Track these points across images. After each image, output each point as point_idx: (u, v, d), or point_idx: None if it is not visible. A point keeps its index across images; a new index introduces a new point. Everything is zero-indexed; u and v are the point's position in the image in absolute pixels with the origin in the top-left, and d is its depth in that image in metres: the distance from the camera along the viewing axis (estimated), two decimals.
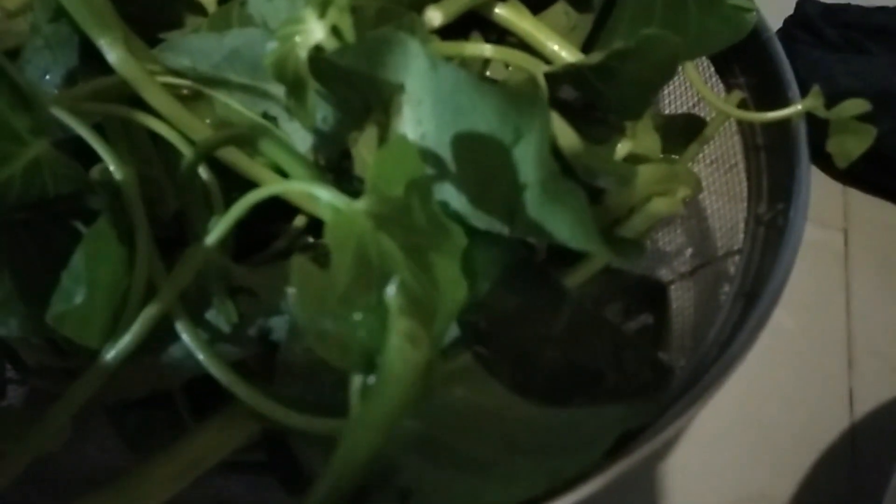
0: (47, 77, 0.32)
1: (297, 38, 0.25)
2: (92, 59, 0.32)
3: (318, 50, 0.25)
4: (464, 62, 0.32)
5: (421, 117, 0.27)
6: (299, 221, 0.35)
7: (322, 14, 0.25)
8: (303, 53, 0.25)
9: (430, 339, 0.21)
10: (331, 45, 0.25)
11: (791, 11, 0.62)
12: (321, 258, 0.33)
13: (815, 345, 0.55)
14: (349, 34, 0.24)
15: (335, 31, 0.25)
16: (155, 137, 0.34)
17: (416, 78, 0.26)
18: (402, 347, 0.21)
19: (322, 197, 0.23)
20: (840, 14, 0.60)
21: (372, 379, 0.22)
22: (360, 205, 0.23)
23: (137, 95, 0.31)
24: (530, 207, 0.25)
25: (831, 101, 0.36)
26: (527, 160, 0.24)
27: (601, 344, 0.28)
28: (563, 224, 0.24)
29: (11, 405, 0.37)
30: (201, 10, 0.39)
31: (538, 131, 0.23)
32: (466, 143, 0.26)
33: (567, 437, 0.24)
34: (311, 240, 0.37)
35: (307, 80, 0.25)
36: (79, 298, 0.25)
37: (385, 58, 0.26)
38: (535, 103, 0.23)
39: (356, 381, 0.23)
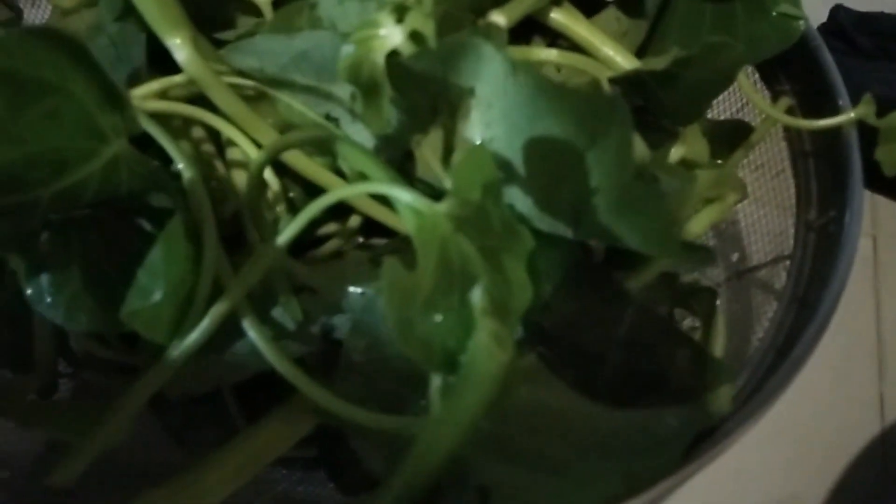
0: None
1: (374, 43, 0.25)
2: (155, 59, 0.33)
3: (393, 54, 0.26)
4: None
5: (490, 121, 0.27)
6: (354, 222, 0.36)
7: (400, 18, 0.25)
8: (379, 58, 0.25)
9: (511, 338, 0.22)
10: (407, 49, 0.25)
11: (824, 20, 0.62)
12: (377, 259, 0.34)
13: (845, 351, 0.56)
14: (432, 40, 0.24)
15: (413, 35, 0.25)
16: (212, 134, 0.35)
17: (488, 82, 0.26)
18: (488, 347, 0.21)
19: (404, 199, 0.23)
20: (872, 22, 0.61)
21: (452, 378, 0.23)
22: (442, 208, 0.23)
23: (202, 95, 0.32)
24: (602, 211, 0.25)
25: None
26: (601, 165, 0.25)
27: (663, 346, 0.28)
28: (637, 228, 0.24)
29: (66, 399, 0.38)
30: (254, 11, 0.39)
31: (619, 136, 0.23)
32: (538, 148, 0.26)
33: (637, 439, 0.25)
34: (361, 240, 0.38)
35: (383, 85, 0.26)
36: (157, 296, 0.26)
37: (459, 62, 0.26)
38: (615, 108, 0.23)
39: (436, 380, 0.23)
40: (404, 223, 0.24)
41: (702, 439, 0.24)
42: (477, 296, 0.21)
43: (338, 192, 0.25)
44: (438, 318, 0.23)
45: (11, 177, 0.23)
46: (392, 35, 0.25)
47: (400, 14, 0.26)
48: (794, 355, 0.27)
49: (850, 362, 0.56)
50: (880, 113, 0.37)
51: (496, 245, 0.25)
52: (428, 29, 0.24)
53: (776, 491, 0.49)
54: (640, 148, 0.27)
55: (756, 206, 0.40)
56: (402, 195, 0.23)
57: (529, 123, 0.25)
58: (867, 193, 0.64)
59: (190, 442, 0.40)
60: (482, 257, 0.24)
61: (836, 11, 0.62)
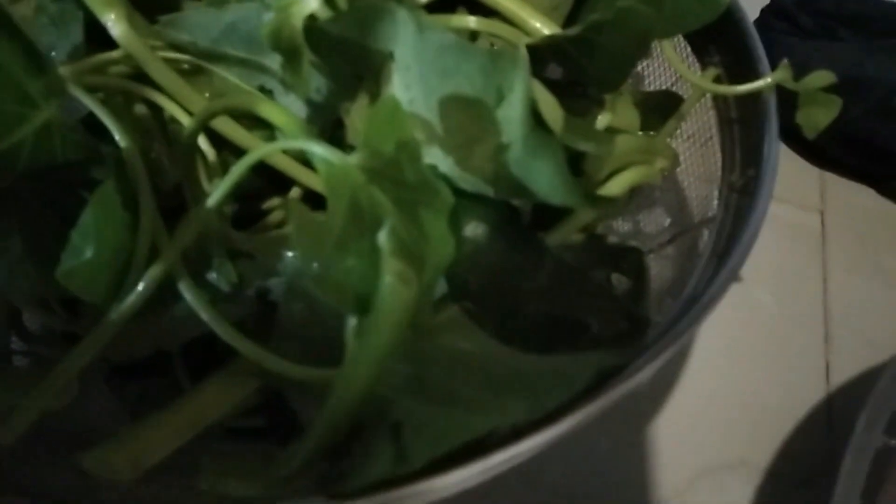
0: (52, 54, 0.34)
1: (293, 9, 0.27)
2: (95, 37, 0.34)
3: (312, 19, 0.27)
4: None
5: (409, 83, 0.28)
6: (294, 194, 0.37)
7: None
8: (298, 23, 0.27)
9: (419, 281, 0.23)
10: (324, 14, 0.27)
11: (768, 1, 0.64)
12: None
13: (793, 321, 0.57)
14: (343, 3, 0.25)
15: (329, 1, 0.26)
16: (155, 111, 0.36)
17: (404, 45, 0.28)
18: (393, 285, 0.22)
19: (317, 152, 0.25)
20: (814, 2, 0.62)
21: (364, 319, 0.24)
22: (353, 159, 0.24)
23: (139, 71, 0.33)
24: (513, 165, 0.27)
25: None
26: (510, 120, 0.26)
27: (581, 297, 0.29)
28: (543, 178, 0.26)
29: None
30: None
31: (520, 89, 0.24)
32: (452, 106, 0.27)
33: (549, 379, 0.26)
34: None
35: (303, 49, 0.27)
36: (88, 254, 0.27)
37: (375, 26, 0.27)
38: (516, 62, 0.24)
39: (351, 321, 0.24)
40: (321, 178, 0.25)
41: (606, 377, 0.25)
42: (383, 237, 0.23)
43: (258, 151, 0.26)
44: (351, 261, 0.24)
45: None
46: (309, 1, 0.27)
47: None
48: (702, 301, 0.28)
49: (797, 332, 0.57)
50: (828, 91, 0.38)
51: (412, 198, 0.26)
52: None
53: (724, 455, 0.50)
54: (551, 107, 0.28)
55: (687, 174, 0.41)
56: (315, 148, 0.25)
57: (441, 82, 0.27)
58: (815, 170, 0.66)
59: (144, 415, 0.40)
60: (396, 208, 0.25)
61: None
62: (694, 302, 0.29)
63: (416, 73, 0.28)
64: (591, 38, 0.31)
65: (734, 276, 0.29)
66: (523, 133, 0.25)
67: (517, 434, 0.24)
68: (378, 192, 0.25)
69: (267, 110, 0.27)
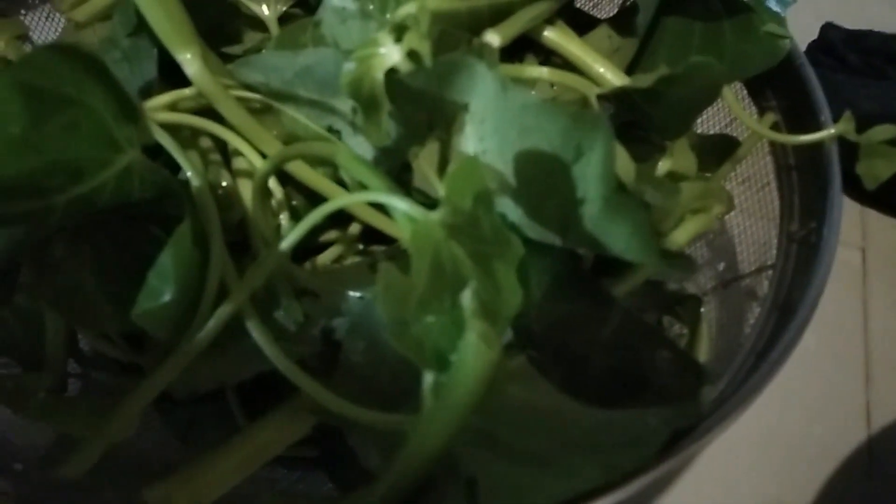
0: None
1: (374, 61, 0.27)
2: (165, 70, 0.34)
3: (392, 71, 0.27)
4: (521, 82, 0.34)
5: (483, 134, 0.29)
6: (354, 229, 0.37)
7: (399, 38, 0.27)
8: (379, 75, 0.27)
9: (499, 340, 0.23)
10: (406, 67, 0.27)
11: (815, 36, 0.64)
12: (375, 265, 0.36)
13: (833, 360, 0.57)
14: (428, 59, 0.26)
15: (411, 54, 0.27)
16: (219, 143, 0.36)
17: (481, 98, 0.28)
18: (477, 346, 0.22)
19: (400, 207, 0.25)
20: (862, 40, 0.62)
21: (443, 376, 0.24)
22: (436, 216, 0.25)
23: (207, 105, 0.33)
24: (588, 221, 0.27)
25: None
26: (586, 177, 0.26)
27: (646, 350, 0.30)
28: (620, 237, 0.26)
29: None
30: (260, 26, 0.41)
31: (602, 150, 0.25)
32: (529, 161, 0.27)
33: (618, 436, 0.26)
34: (361, 246, 0.39)
35: (382, 100, 0.27)
36: (167, 297, 0.27)
37: (453, 79, 0.28)
38: (598, 125, 0.24)
39: (428, 377, 0.24)
40: (400, 230, 0.25)
41: (680, 437, 0.25)
42: (467, 298, 0.23)
43: (338, 200, 0.26)
44: (431, 319, 0.24)
45: (30, 184, 0.25)
46: (391, 53, 0.27)
47: (399, 33, 0.27)
48: (770, 358, 0.28)
49: (838, 371, 0.57)
50: (868, 127, 0.38)
51: (487, 251, 0.26)
52: (424, 49, 0.25)
53: (764, 496, 0.50)
54: (624, 161, 0.28)
55: (742, 218, 0.41)
56: (399, 204, 0.25)
57: (519, 137, 0.27)
58: (857, 206, 0.66)
59: (194, 441, 0.41)
60: (473, 262, 0.25)
61: (827, 29, 0.63)
62: (759, 358, 0.29)
63: (491, 126, 0.28)
64: (661, 90, 0.32)
65: (801, 333, 0.29)
66: (603, 193, 0.25)
67: (590, 494, 0.24)
68: (457, 248, 0.25)
69: (347, 161, 0.28)
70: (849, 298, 0.61)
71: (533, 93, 0.25)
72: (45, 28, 0.49)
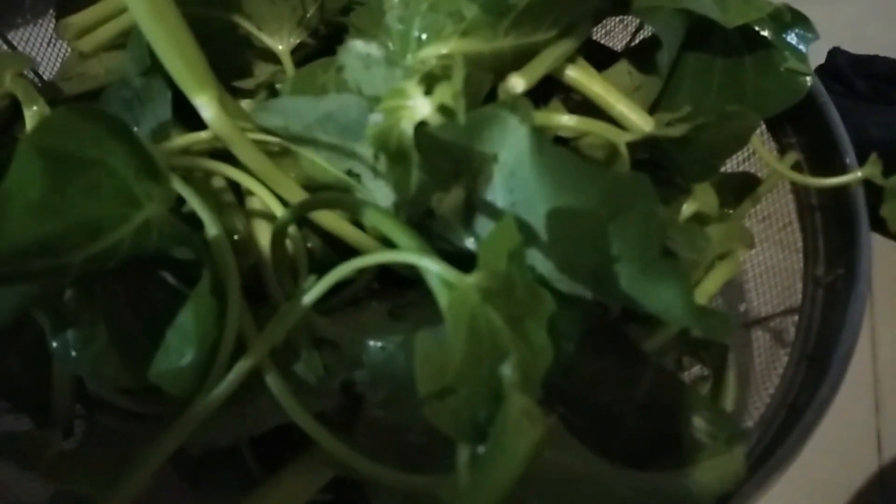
0: (135, 129, 0.33)
1: (403, 113, 0.26)
2: (179, 110, 0.33)
3: (421, 123, 0.26)
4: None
5: (513, 187, 0.28)
6: (370, 270, 0.36)
7: (428, 90, 0.26)
8: (409, 128, 0.26)
9: (541, 417, 0.22)
10: (436, 120, 0.26)
11: (822, 61, 0.64)
12: (396, 312, 0.35)
13: (842, 389, 0.56)
14: (461, 116, 0.25)
15: (441, 108, 0.26)
16: (235, 186, 0.35)
17: (511, 151, 0.27)
18: (520, 424, 0.21)
19: (434, 270, 0.24)
20: (869, 65, 0.62)
21: (479, 448, 0.23)
22: (472, 280, 0.24)
23: (221, 148, 0.32)
24: (624, 279, 0.26)
25: (861, 150, 0.38)
26: (624, 235, 0.25)
27: (679, 408, 0.29)
28: (659, 299, 0.25)
29: (78, 440, 0.38)
30: (273, 59, 0.40)
31: (644, 212, 0.24)
32: (560, 217, 0.27)
33: (654, 502, 0.25)
34: (376, 286, 0.38)
35: (411, 153, 0.26)
36: (187, 359, 0.26)
37: (484, 131, 0.27)
38: (640, 186, 0.24)
39: (464, 450, 0.24)
40: (435, 293, 0.24)
41: (724, 500, 0.24)
42: (508, 370, 0.22)
43: (368, 258, 0.25)
44: (468, 389, 0.23)
45: (47, 245, 0.24)
46: (421, 107, 0.26)
47: (428, 84, 0.26)
48: (806, 419, 0.27)
49: (847, 400, 0.56)
50: (881, 156, 0.38)
51: (521, 311, 0.25)
52: (458, 105, 0.24)
53: None
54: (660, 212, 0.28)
55: (764, 257, 0.41)
56: (432, 266, 0.24)
57: (553, 193, 0.26)
58: None
59: (203, 484, 0.40)
60: (509, 327, 0.24)
61: (834, 54, 0.63)
62: (795, 413, 0.29)
63: (522, 179, 0.27)
64: (692, 137, 0.31)
65: (836, 390, 0.29)
66: (643, 256, 0.24)
67: None
68: (494, 314, 0.24)
69: (374, 218, 0.27)
70: None
71: (570, 154, 0.24)
72: (46, 53, 0.48)
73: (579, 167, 0.24)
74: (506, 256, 0.24)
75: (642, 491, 0.26)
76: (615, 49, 0.44)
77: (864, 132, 0.59)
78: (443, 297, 0.24)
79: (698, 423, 0.29)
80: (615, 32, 0.49)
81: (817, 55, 0.64)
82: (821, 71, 0.64)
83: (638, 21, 0.47)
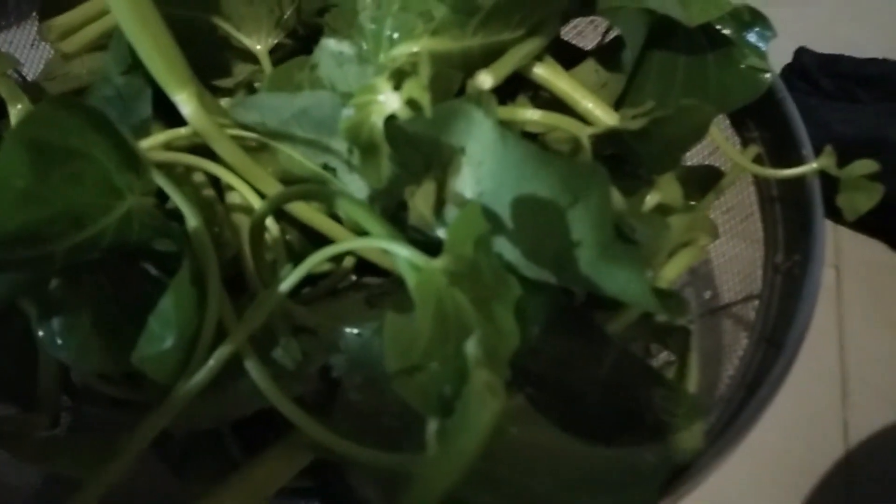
0: None
1: (373, 107, 0.27)
2: (160, 107, 0.34)
3: (391, 117, 0.28)
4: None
5: (480, 177, 0.29)
6: (348, 262, 0.38)
7: (397, 85, 0.27)
8: (378, 121, 0.27)
9: (503, 388, 0.24)
10: (404, 114, 0.27)
11: (789, 60, 0.66)
12: (372, 300, 0.36)
13: (809, 377, 0.58)
14: (428, 109, 0.26)
15: (410, 102, 0.27)
16: (212, 178, 0.37)
17: (478, 143, 0.28)
18: (482, 396, 0.23)
19: (403, 255, 0.25)
20: (834, 64, 0.64)
21: (447, 422, 0.25)
22: (439, 263, 0.25)
23: (201, 143, 0.33)
24: (584, 264, 0.28)
25: (826, 145, 0.39)
26: (582, 221, 0.27)
27: (642, 387, 0.30)
28: (617, 281, 0.26)
29: (65, 430, 0.39)
30: (252, 59, 0.41)
31: (598, 199, 0.25)
32: (525, 204, 0.28)
33: (619, 475, 0.27)
34: (354, 278, 0.40)
35: (381, 145, 0.28)
36: (168, 343, 0.27)
37: (451, 124, 0.28)
38: (595, 175, 0.25)
39: (432, 423, 0.25)
40: (405, 278, 0.26)
41: (678, 473, 0.26)
42: (471, 347, 0.23)
43: (340, 245, 0.27)
44: (435, 366, 0.24)
45: (32, 234, 0.25)
46: (390, 101, 0.27)
47: (397, 80, 0.28)
48: (761, 394, 0.29)
49: (814, 388, 0.59)
50: (841, 151, 0.39)
51: (487, 294, 0.27)
52: (424, 99, 0.26)
53: None
54: (615, 199, 0.29)
55: (728, 247, 0.42)
56: (402, 251, 0.25)
57: (517, 183, 0.27)
58: (830, 225, 0.68)
59: (187, 473, 0.41)
60: (475, 308, 0.26)
61: (800, 53, 0.65)
62: (750, 390, 0.30)
63: (489, 170, 0.29)
64: (651, 130, 0.32)
65: (790, 367, 0.30)
66: (599, 240, 0.26)
67: None
68: (460, 295, 0.25)
69: (348, 207, 0.28)
70: (824, 316, 0.63)
71: (531, 144, 0.26)
72: (29, 55, 0.49)
73: (541, 157, 0.26)
74: (472, 242, 0.26)
75: (607, 464, 0.27)
76: (584, 49, 0.45)
77: (829, 129, 0.61)
78: (411, 280, 0.25)
79: (660, 401, 0.30)
80: (586, 33, 0.51)
81: (785, 55, 0.66)
82: (788, 70, 0.66)
83: (607, 23, 0.49)
